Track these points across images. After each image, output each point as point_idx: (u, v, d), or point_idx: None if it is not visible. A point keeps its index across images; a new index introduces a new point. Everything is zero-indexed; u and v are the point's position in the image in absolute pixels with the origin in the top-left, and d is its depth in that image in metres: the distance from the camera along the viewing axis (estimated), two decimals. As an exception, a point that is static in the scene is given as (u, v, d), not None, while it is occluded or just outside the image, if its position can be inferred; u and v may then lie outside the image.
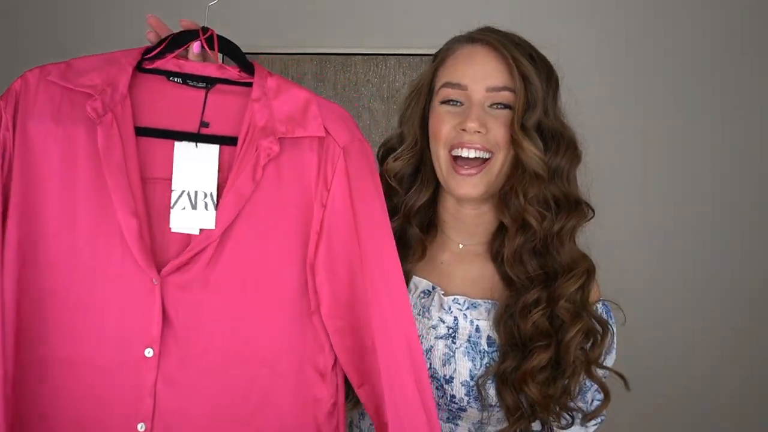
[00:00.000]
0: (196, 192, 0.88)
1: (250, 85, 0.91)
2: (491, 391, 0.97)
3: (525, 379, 0.94)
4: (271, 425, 0.90)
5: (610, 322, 1.01)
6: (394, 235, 0.95)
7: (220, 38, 0.93)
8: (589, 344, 0.98)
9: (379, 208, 0.91)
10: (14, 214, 0.83)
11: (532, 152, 0.92)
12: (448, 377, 0.99)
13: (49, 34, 2.27)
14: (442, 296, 1.01)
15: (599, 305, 1.01)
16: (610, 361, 1.02)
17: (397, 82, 2.19)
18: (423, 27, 2.17)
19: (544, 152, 0.94)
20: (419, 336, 0.97)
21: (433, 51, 2.13)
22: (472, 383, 0.98)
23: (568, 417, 0.99)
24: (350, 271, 0.89)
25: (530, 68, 0.94)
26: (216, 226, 0.86)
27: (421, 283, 1.03)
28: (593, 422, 1.03)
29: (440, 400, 1.00)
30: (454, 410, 1.00)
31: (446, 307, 1.01)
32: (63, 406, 0.85)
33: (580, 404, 1.00)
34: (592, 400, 1.03)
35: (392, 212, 1.00)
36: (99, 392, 0.85)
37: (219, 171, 0.89)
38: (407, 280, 1.02)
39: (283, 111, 0.88)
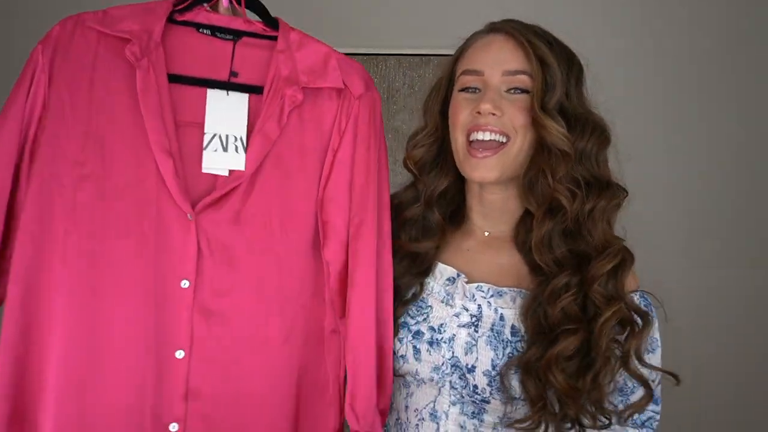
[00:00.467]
0: (227, 136, 0.94)
1: (274, 38, 0.98)
2: (514, 383, 0.94)
3: (549, 365, 0.90)
4: (298, 352, 0.96)
5: (651, 314, 0.96)
6: (415, 220, 1.04)
7: None
8: (625, 335, 0.93)
9: (381, 156, 1.00)
10: (46, 150, 0.88)
11: (556, 129, 0.93)
12: (470, 366, 0.97)
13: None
14: (465, 284, 1.01)
15: (636, 295, 0.97)
16: (655, 359, 0.97)
17: (397, 82, 2.20)
18: (423, 27, 2.19)
19: (571, 133, 0.95)
20: (443, 324, 0.99)
21: (433, 51, 2.17)
22: (494, 373, 0.95)
23: (604, 419, 0.93)
24: (348, 210, 0.97)
25: (547, 52, 0.95)
26: (246, 166, 0.92)
27: (446, 270, 1.03)
28: (639, 423, 0.97)
29: (463, 391, 0.98)
30: (477, 402, 0.97)
31: (469, 295, 1.00)
32: (101, 336, 0.88)
33: (620, 406, 0.96)
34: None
35: (415, 199, 1.05)
36: (137, 323, 0.89)
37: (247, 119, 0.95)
38: (432, 268, 1.04)
39: (305, 63, 0.96)
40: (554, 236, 0.96)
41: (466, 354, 0.97)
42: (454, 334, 0.99)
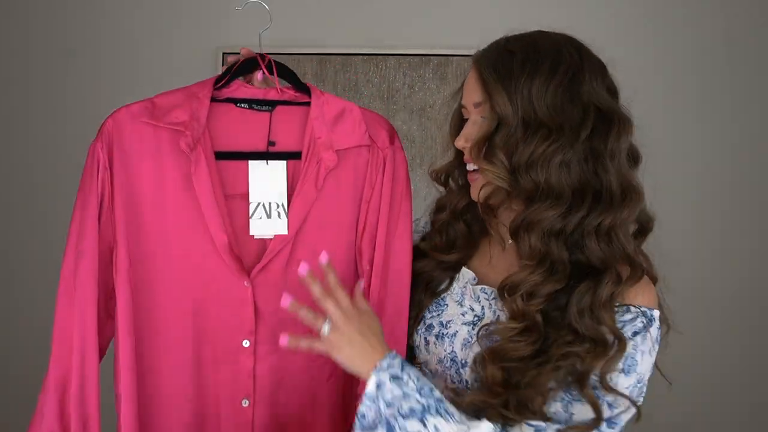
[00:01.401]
0: (269, 203, 1.05)
1: (306, 104, 1.07)
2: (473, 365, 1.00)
3: (489, 357, 0.94)
4: (341, 382, 1.11)
5: (630, 339, 0.93)
6: (439, 229, 1.12)
7: (277, 63, 1.09)
8: (590, 353, 0.91)
9: (406, 205, 1.10)
10: (122, 240, 1.00)
11: (489, 171, 0.97)
12: (463, 362, 1.03)
13: (53, 35, 2.26)
14: (472, 286, 1.07)
15: (633, 312, 0.95)
16: (626, 382, 0.93)
17: (397, 82, 2.21)
18: (423, 27, 2.20)
19: (519, 148, 0.94)
20: (450, 321, 1.06)
21: (432, 51, 2.17)
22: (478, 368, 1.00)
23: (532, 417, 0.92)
24: (378, 252, 1.08)
25: (493, 83, 0.96)
26: (288, 230, 1.04)
27: (467, 274, 1.09)
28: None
29: (459, 386, 1.03)
30: None
31: (475, 297, 1.06)
32: (172, 394, 1.04)
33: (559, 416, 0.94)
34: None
35: (440, 209, 1.13)
36: (205, 380, 1.04)
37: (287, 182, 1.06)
38: (457, 269, 1.10)
39: (337, 126, 1.05)
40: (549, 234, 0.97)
41: (462, 349, 1.03)
42: (457, 331, 1.05)
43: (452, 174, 1.12)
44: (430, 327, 1.08)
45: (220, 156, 1.03)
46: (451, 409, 0.92)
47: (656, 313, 0.96)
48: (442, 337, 1.06)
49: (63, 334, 0.98)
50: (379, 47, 2.20)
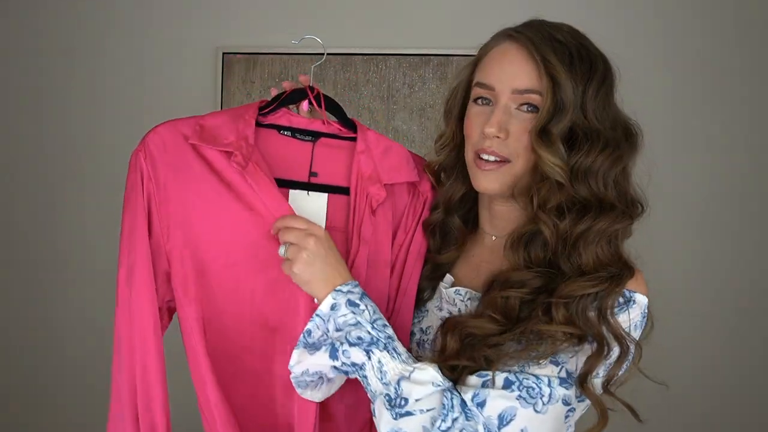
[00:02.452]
0: None
1: (350, 139, 1.06)
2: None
3: (454, 328, 0.92)
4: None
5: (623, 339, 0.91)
6: (435, 229, 1.07)
7: (325, 97, 1.06)
8: (590, 352, 0.88)
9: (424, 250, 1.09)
10: (182, 254, 0.99)
11: (549, 160, 0.91)
12: None
13: (53, 35, 2.26)
14: (445, 289, 1.05)
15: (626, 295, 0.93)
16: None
17: (397, 82, 2.21)
18: (423, 27, 2.20)
19: (575, 153, 0.91)
20: (430, 326, 1.05)
21: (432, 51, 2.19)
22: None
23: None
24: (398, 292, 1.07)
25: (561, 69, 0.91)
26: (357, 271, 1.00)
27: (448, 278, 1.07)
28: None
29: None
30: None
31: (450, 299, 1.04)
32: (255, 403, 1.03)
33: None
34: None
35: (433, 207, 1.08)
36: (281, 398, 1.02)
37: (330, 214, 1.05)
38: (442, 276, 1.07)
39: (384, 161, 1.04)
40: (534, 241, 0.94)
41: None
42: (437, 336, 1.00)
43: (447, 167, 1.07)
44: (412, 334, 1.06)
45: None
46: (401, 348, 0.91)
47: (639, 297, 0.93)
48: (423, 343, 1.05)
49: (125, 344, 0.98)
50: (379, 47, 2.21)
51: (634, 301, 0.92)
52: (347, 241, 1.02)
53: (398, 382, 0.87)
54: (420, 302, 1.07)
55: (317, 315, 0.91)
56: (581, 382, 0.88)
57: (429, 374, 0.87)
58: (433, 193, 1.08)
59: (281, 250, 0.94)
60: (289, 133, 1.05)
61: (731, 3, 2.14)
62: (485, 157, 0.96)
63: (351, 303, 0.91)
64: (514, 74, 0.94)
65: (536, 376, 0.87)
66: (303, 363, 0.92)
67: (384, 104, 2.23)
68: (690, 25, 2.14)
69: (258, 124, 1.02)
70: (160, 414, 0.98)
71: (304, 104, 1.05)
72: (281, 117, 1.05)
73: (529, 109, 0.94)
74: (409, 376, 0.87)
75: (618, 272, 0.91)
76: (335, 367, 0.91)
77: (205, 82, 2.25)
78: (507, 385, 0.87)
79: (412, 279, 1.06)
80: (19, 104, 2.30)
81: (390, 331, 0.92)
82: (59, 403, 2.30)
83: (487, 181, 0.97)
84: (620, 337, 0.89)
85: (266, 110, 1.03)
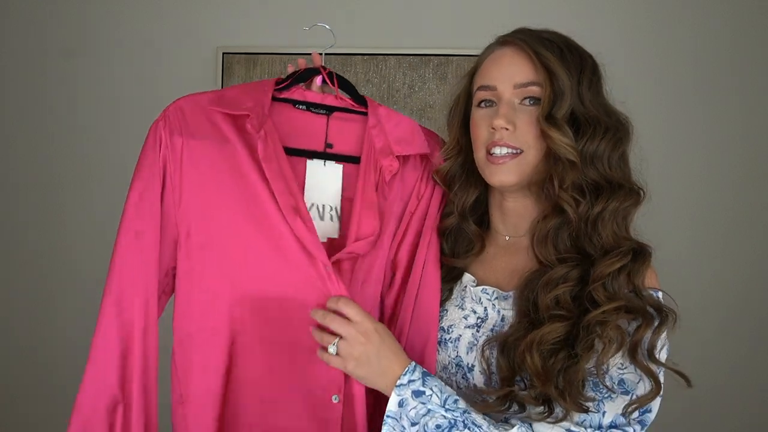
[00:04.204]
0: (323, 205, 1.06)
1: (362, 113, 1.11)
2: (492, 359, 0.99)
3: (530, 347, 0.92)
4: None
5: (669, 314, 0.95)
6: (449, 234, 1.10)
7: (337, 75, 1.12)
8: (636, 326, 0.92)
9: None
10: (194, 223, 1.00)
11: (561, 140, 0.95)
12: (470, 365, 1.02)
13: (53, 35, 2.27)
14: (473, 287, 1.06)
15: (656, 292, 0.98)
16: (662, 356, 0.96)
17: (397, 82, 2.22)
18: (423, 27, 2.21)
19: (580, 139, 0.97)
20: (452, 325, 1.06)
21: (432, 51, 2.20)
22: (489, 371, 1.00)
23: (584, 404, 0.92)
24: (416, 266, 1.08)
25: (555, 61, 0.98)
26: (368, 239, 1.02)
27: (466, 277, 1.09)
28: (636, 414, 0.93)
29: (467, 391, 1.03)
30: (479, 402, 1.00)
31: (476, 298, 1.06)
32: (271, 387, 1.03)
33: (600, 393, 0.94)
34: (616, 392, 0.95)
35: (448, 214, 1.11)
36: (301, 372, 1.02)
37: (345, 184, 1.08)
38: (459, 277, 1.10)
39: (395, 134, 1.07)
40: (560, 233, 0.99)
41: (467, 353, 1.03)
42: (460, 335, 1.04)
43: (455, 174, 1.10)
44: None
45: None
46: (479, 420, 0.92)
47: (661, 294, 0.98)
48: (445, 342, 1.06)
49: (121, 306, 0.99)
50: (379, 47, 2.22)
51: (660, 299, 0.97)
52: (352, 211, 1.05)
53: None
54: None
55: (388, 416, 0.92)
56: (632, 353, 0.91)
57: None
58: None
59: (331, 349, 0.94)
60: (304, 107, 1.09)
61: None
62: (497, 151, 1.00)
63: (417, 393, 0.92)
64: (513, 71, 1.00)
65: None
66: None
67: (384, 104, 2.23)
68: (684, 23, 2.16)
69: (274, 99, 1.07)
70: (153, 377, 1.00)
71: (318, 79, 1.10)
72: (295, 92, 1.09)
73: (531, 102, 1.00)
74: None
75: (638, 247, 0.97)
76: None
77: (205, 82, 2.25)
78: None
79: (431, 249, 1.08)
80: (19, 104, 2.31)
81: (462, 404, 0.93)
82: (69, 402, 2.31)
83: (503, 174, 1.00)
84: (659, 307, 0.94)
85: (282, 85, 1.08)
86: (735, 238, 2.17)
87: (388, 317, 1.09)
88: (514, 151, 1.00)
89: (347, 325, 0.94)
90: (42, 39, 2.28)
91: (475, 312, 1.05)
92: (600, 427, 0.91)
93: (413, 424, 0.91)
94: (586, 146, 0.97)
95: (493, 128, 0.99)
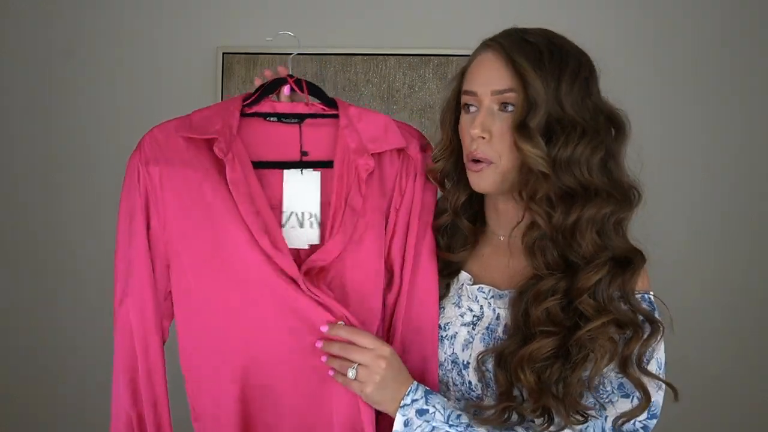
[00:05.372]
0: (302, 213, 1.07)
1: (334, 116, 1.11)
2: (488, 372, 1.01)
3: (522, 362, 0.94)
4: None
5: (660, 322, 0.97)
6: (445, 230, 1.11)
7: (306, 81, 1.12)
8: (627, 338, 0.94)
9: (431, 212, 1.11)
10: (181, 251, 1.03)
11: (531, 152, 0.95)
12: (465, 362, 1.04)
13: (53, 35, 2.27)
14: (469, 286, 1.08)
15: (643, 296, 0.99)
16: (652, 366, 0.97)
17: (397, 82, 2.23)
18: (423, 27, 2.22)
19: (554, 145, 0.96)
20: (449, 323, 1.08)
21: (432, 51, 2.20)
22: (482, 368, 1.02)
23: (578, 417, 0.94)
24: (408, 261, 1.08)
25: (529, 68, 0.96)
26: (339, 241, 1.03)
27: (462, 275, 1.10)
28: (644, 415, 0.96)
29: (462, 388, 1.05)
30: (474, 399, 1.04)
31: (473, 296, 1.07)
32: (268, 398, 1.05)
33: (598, 402, 0.96)
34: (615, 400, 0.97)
35: (441, 212, 1.12)
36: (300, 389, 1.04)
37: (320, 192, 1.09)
38: (456, 274, 1.11)
39: (368, 132, 1.08)
40: (545, 243, 0.99)
41: (463, 350, 1.05)
42: (456, 332, 1.06)
43: (449, 172, 1.11)
44: None
45: (255, 165, 1.06)
46: (481, 431, 0.95)
47: (652, 295, 1.00)
48: (441, 340, 1.07)
49: (125, 331, 1.04)
50: (379, 47, 2.23)
51: (651, 301, 0.99)
52: (328, 215, 1.06)
53: None
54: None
55: None
56: (623, 366, 0.93)
57: None
58: (423, 156, 1.11)
59: (351, 373, 0.96)
60: (275, 119, 1.10)
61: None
62: (474, 159, 1.02)
63: (420, 412, 0.95)
64: (491, 78, 1.00)
65: None
66: None
67: (384, 104, 2.24)
68: (683, 22, 2.17)
69: (244, 115, 1.08)
70: (161, 390, 1.05)
71: (285, 89, 1.11)
72: (265, 105, 1.10)
73: (509, 109, 0.99)
74: None
75: (622, 254, 0.96)
76: None
77: (205, 82, 2.26)
78: None
79: (424, 243, 1.09)
80: (19, 104, 2.31)
81: (465, 418, 0.96)
82: (68, 403, 2.31)
83: (480, 180, 1.02)
84: (649, 317, 0.95)
85: (250, 101, 1.09)
86: (733, 238, 2.17)
87: (390, 316, 1.09)
88: (489, 160, 1.01)
89: (365, 352, 0.96)
90: (42, 39, 2.29)
91: (471, 310, 1.07)
92: (603, 431, 0.94)
93: None
94: (560, 152, 0.95)
95: (471, 136, 1.01)
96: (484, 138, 0.99)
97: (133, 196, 1.03)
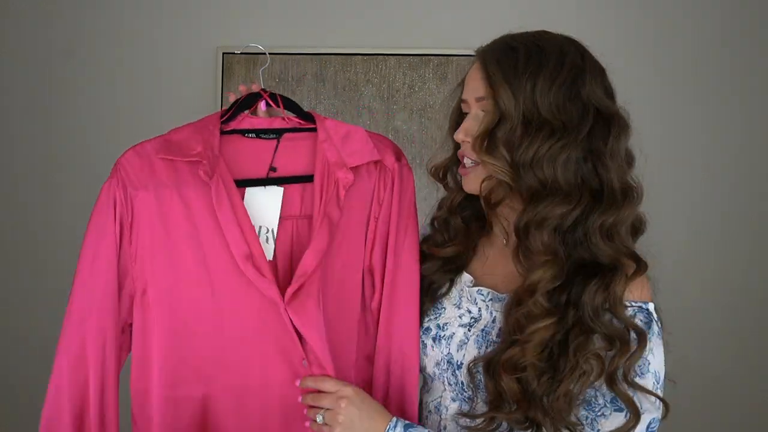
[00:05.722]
0: (260, 227, 1.07)
1: (311, 130, 1.12)
2: (478, 379, 1.02)
3: (501, 368, 0.95)
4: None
5: (648, 333, 0.94)
6: (437, 225, 1.15)
7: (280, 96, 1.12)
8: (613, 352, 0.93)
9: (413, 220, 1.13)
10: (154, 276, 1.02)
11: (491, 163, 0.98)
12: (458, 363, 1.06)
13: (53, 35, 2.27)
14: (469, 288, 1.09)
15: (634, 309, 0.96)
16: (645, 383, 0.94)
17: (397, 82, 2.23)
18: (423, 27, 2.21)
19: (517, 148, 0.96)
20: (447, 323, 1.09)
21: (432, 51, 2.20)
22: (474, 371, 1.03)
23: (573, 429, 0.94)
24: (388, 268, 1.11)
25: (500, 80, 0.98)
26: (318, 250, 1.04)
27: (464, 276, 1.12)
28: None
29: (456, 387, 1.07)
30: (467, 399, 1.06)
31: (472, 298, 1.08)
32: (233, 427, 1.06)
33: (585, 422, 0.95)
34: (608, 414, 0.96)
35: (439, 207, 1.16)
36: (261, 410, 1.05)
37: (290, 205, 1.10)
38: (459, 272, 1.12)
39: (345, 146, 1.09)
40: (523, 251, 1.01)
41: (458, 351, 1.06)
42: (454, 333, 1.08)
43: (450, 170, 1.13)
44: (427, 330, 1.10)
45: (238, 184, 1.06)
46: None
47: (652, 306, 0.98)
48: (439, 339, 1.08)
49: (73, 359, 1.02)
50: (379, 47, 2.23)
51: (650, 312, 0.97)
52: (311, 228, 1.06)
53: None
54: (436, 297, 1.12)
55: None
56: (610, 381, 0.92)
57: None
58: (398, 165, 1.12)
59: (318, 418, 1.00)
60: (254, 135, 1.10)
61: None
62: (465, 161, 1.05)
63: None
64: (474, 86, 1.03)
65: None
66: None
67: (384, 104, 2.24)
68: (680, 22, 2.16)
69: (223, 132, 1.08)
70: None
71: (262, 104, 1.12)
72: (243, 121, 1.11)
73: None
74: None
75: (611, 263, 0.95)
76: None
77: (205, 82, 2.26)
78: None
79: (407, 251, 1.10)
80: (19, 104, 2.32)
81: None
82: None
83: (467, 182, 1.06)
84: (637, 330, 0.93)
85: (226, 117, 1.09)
86: (733, 238, 2.18)
87: (376, 321, 1.11)
88: (475, 162, 1.03)
89: (326, 397, 1.00)
90: (42, 39, 2.29)
91: (470, 312, 1.08)
92: None
93: None
94: (523, 155, 0.95)
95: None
96: (467, 141, 1.02)
97: (104, 223, 1.01)
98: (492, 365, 0.97)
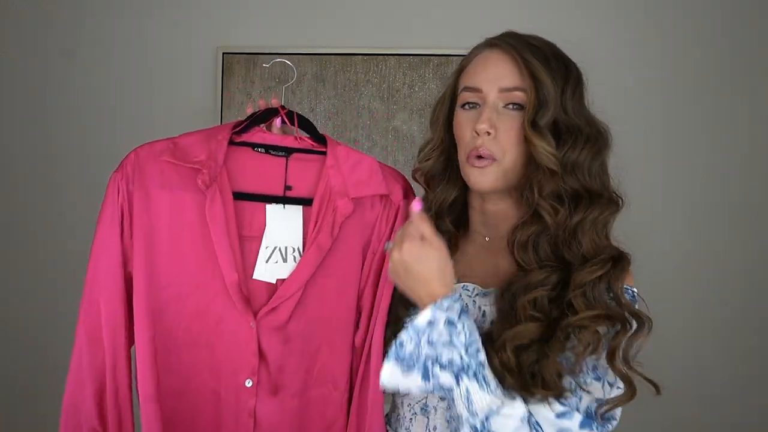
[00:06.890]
0: (285, 248, 1.08)
1: (321, 153, 1.12)
2: None
3: (505, 343, 0.95)
4: None
5: (650, 320, 0.97)
6: None
7: (297, 114, 1.12)
8: (614, 332, 0.95)
9: None
10: (139, 268, 1.04)
11: (543, 149, 0.97)
12: None
13: (53, 35, 2.28)
14: (454, 284, 1.04)
15: (627, 290, 1.00)
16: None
17: (397, 82, 2.23)
18: (423, 27, 2.21)
19: (560, 148, 0.98)
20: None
21: (432, 51, 2.21)
22: None
23: (559, 400, 0.95)
24: (378, 306, 1.10)
25: (541, 69, 0.99)
26: (300, 276, 1.06)
27: None
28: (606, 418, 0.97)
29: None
30: None
31: (457, 295, 1.03)
32: (177, 428, 1.07)
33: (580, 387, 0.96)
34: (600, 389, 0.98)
35: (426, 210, 1.10)
36: (207, 416, 1.07)
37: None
38: None
39: (353, 175, 1.09)
40: (540, 239, 1.01)
41: None
42: None
43: (436, 173, 1.12)
44: None
45: (237, 196, 1.07)
46: (490, 377, 0.93)
47: (635, 291, 1.01)
48: None
49: (93, 339, 1.05)
50: (379, 47, 2.23)
51: (635, 295, 1.01)
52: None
53: (487, 417, 0.91)
54: (411, 303, 1.10)
55: (412, 328, 0.93)
56: (610, 358, 0.94)
57: (519, 410, 0.92)
58: (405, 202, 1.11)
59: (388, 244, 0.99)
60: (263, 150, 1.10)
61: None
62: (478, 155, 1.02)
63: (449, 322, 0.93)
64: (499, 75, 1.01)
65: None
66: (394, 381, 0.94)
67: (384, 104, 2.24)
68: (680, 22, 2.16)
69: (233, 143, 1.09)
70: (127, 407, 1.06)
71: (277, 121, 1.11)
72: (255, 135, 1.10)
73: (515, 107, 1.01)
74: (498, 410, 0.92)
75: (617, 254, 0.99)
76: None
77: (205, 82, 2.26)
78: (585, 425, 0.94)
79: (386, 289, 1.09)
80: (18, 104, 2.32)
81: (482, 356, 0.94)
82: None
83: (482, 177, 1.02)
84: (636, 314, 0.96)
85: (240, 128, 1.10)
86: (733, 238, 2.17)
87: (359, 357, 1.11)
88: (491, 158, 1.02)
89: (414, 236, 0.95)
90: (42, 39, 2.29)
91: None
92: (577, 409, 0.95)
93: (430, 343, 0.92)
94: (567, 155, 0.98)
95: (476, 132, 1.01)
96: (490, 134, 1.00)
97: (113, 212, 1.05)
98: (492, 341, 0.97)
